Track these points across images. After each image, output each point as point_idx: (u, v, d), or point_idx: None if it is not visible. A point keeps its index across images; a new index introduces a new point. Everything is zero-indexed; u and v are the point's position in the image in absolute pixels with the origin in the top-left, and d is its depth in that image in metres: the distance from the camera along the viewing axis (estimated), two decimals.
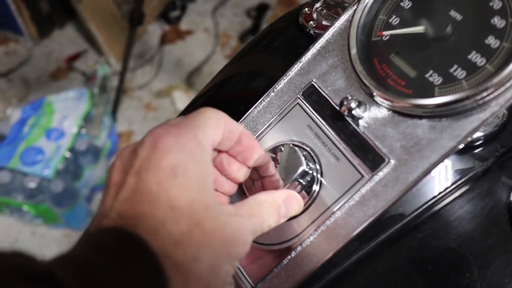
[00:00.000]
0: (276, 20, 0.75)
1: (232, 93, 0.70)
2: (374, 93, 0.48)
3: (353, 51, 0.50)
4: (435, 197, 0.49)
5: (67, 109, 1.91)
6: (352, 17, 0.51)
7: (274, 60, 0.69)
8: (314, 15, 0.66)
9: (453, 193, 0.50)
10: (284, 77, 0.55)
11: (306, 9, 0.67)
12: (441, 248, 0.47)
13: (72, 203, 1.78)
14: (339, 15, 0.64)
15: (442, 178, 0.50)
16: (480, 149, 0.52)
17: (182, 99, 2.21)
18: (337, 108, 0.50)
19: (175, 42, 2.46)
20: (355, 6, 0.53)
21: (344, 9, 0.65)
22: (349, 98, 0.48)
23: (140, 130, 2.18)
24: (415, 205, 0.49)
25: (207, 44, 2.42)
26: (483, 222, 0.47)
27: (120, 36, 2.32)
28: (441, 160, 0.43)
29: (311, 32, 0.66)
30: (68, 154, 1.80)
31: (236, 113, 0.60)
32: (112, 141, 2.06)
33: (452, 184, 0.50)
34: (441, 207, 0.50)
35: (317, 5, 0.67)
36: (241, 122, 0.56)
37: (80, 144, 1.83)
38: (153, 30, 2.50)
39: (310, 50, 0.54)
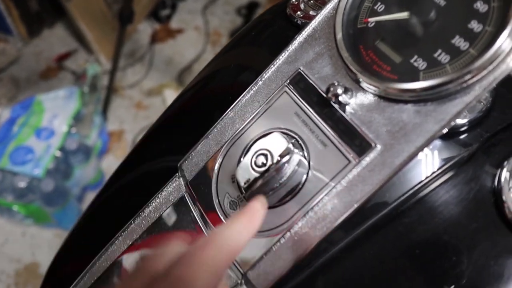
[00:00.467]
0: (264, 12, 0.75)
1: (220, 86, 0.70)
2: (360, 79, 0.48)
3: (339, 36, 0.50)
4: (421, 182, 0.49)
5: (57, 108, 1.90)
6: (338, 4, 0.51)
7: (261, 52, 0.69)
8: (302, 6, 0.66)
9: (438, 179, 0.50)
10: (272, 66, 0.55)
11: (293, 0, 0.67)
12: (428, 232, 0.47)
13: (63, 203, 1.77)
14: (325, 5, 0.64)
15: (428, 164, 0.50)
16: (465, 135, 0.52)
17: (173, 97, 2.20)
18: (324, 95, 0.50)
19: (166, 41, 2.45)
20: None
21: None
22: (336, 84, 0.48)
23: (131, 129, 2.17)
24: (401, 191, 0.49)
25: (197, 42, 2.42)
26: (469, 206, 0.48)
27: (110, 35, 2.32)
28: (426, 144, 0.44)
29: (299, 22, 0.66)
30: (58, 153, 1.80)
31: (225, 105, 0.60)
32: (102, 140, 2.05)
33: (438, 169, 0.50)
34: (427, 192, 0.50)
35: None
36: (229, 111, 0.56)
37: (70, 143, 1.82)
38: (144, 29, 2.50)
39: (297, 38, 0.54)
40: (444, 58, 0.45)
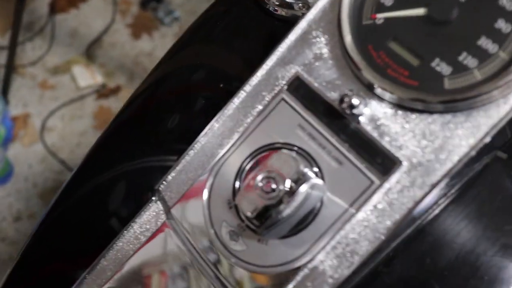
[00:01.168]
0: None
1: (179, 89, 0.61)
2: (376, 86, 0.42)
3: (348, 38, 0.43)
4: (443, 196, 0.45)
5: None
6: None
7: (230, 47, 0.60)
8: None
9: (456, 194, 0.47)
10: (260, 69, 0.48)
11: None
12: (455, 249, 0.44)
13: None
14: None
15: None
16: None
17: (84, 74, 2.02)
18: (333, 104, 0.44)
19: (68, 11, 2.21)
20: None
21: None
22: (350, 93, 0.42)
23: (37, 112, 1.96)
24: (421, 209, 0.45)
25: (105, 12, 2.21)
26: (495, 214, 0.45)
27: (1, 6, 2.04)
28: (461, 160, 0.39)
29: (271, 9, 0.58)
30: None
31: (196, 110, 0.52)
32: (6, 126, 1.83)
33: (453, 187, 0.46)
34: (446, 207, 0.46)
35: None
36: (214, 121, 0.48)
37: None
38: None
39: (290, 36, 0.47)
40: (471, 62, 0.41)
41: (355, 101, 0.41)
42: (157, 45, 2.15)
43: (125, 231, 0.50)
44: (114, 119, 0.62)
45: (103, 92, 2.02)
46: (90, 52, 2.10)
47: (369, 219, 0.41)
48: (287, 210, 0.41)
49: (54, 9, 2.21)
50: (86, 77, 2.00)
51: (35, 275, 0.61)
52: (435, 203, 0.44)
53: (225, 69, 0.59)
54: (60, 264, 0.59)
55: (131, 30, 2.20)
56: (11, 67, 1.87)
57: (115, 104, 2.00)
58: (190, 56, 0.62)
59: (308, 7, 0.56)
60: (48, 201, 1.77)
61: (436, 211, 0.46)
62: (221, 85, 0.57)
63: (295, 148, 0.44)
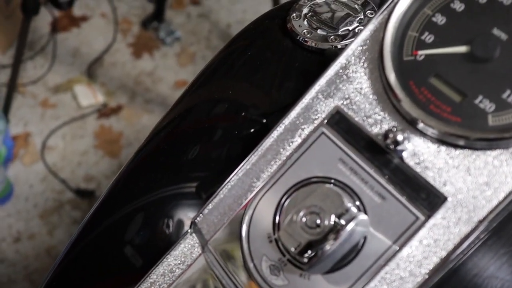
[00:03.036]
0: (247, 27, 0.66)
1: (215, 119, 0.61)
2: (419, 122, 0.43)
3: (392, 77, 0.44)
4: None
5: None
6: (384, 32, 0.45)
7: (261, 77, 0.61)
8: (304, 22, 0.59)
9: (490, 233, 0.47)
10: (299, 103, 0.48)
11: (294, 14, 0.59)
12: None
13: None
14: (332, 22, 0.58)
15: None
16: None
17: (85, 94, 2.01)
18: (375, 139, 0.44)
19: (70, 30, 2.22)
20: (378, 19, 0.47)
21: (334, 15, 0.59)
22: (395, 130, 0.42)
23: (38, 131, 1.95)
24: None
25: (106, 31, 2.22)
26: None
27: (3, 24, 2.04)
28: (508, 197, 0.40)
29: (301, 39, 0.59)
30: None
31: (228, 145, 0.52)
32: (7, 146, 1.81)
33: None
34: (481, 246, 0.46)
35: (305, 10, 0.60)
36: (252, 155, 0.48)
37: None
38: (42, 16, 2.23)
39: (329, 70, 0.48)
40: None
41: (399, 137, 0.42)
42: (158, 65, 2.16)
43: (159, 264, 0.50)
44: (138, 152, 0.61)
45: (104, 111, 2.02)
46: (92, 71, 2.10)
47: (414, 255, 0.41)
48: (333, 246, 0.41)
49: (55, 28, 2.21)
50: (88, 96, 2.00)
51: None
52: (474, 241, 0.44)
53: (256, 102, 0.59)
54: None
55: (132, 50, 2.20)
56: (13, 86, 1.86)
57: (116, 124, 1.99)
58: (219, 89, 0.63)
59: (342, 38, 0.57)
60: (48, 221, 1.75)
61: (471, 251, 0.46)
62: (254, 118, 0.57)
63: (337, 183, 0.44)
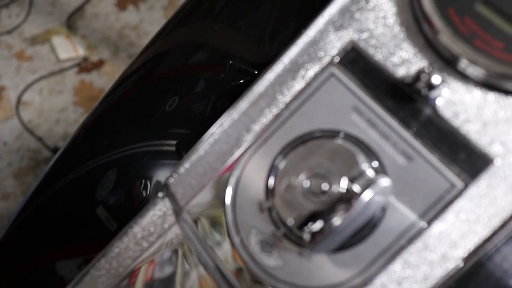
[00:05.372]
0: None
1: (188, 67, 0.50)
2: (462, 60, 0.32)
3: (426, 1, 0.33)
4: None
5: None
6: None
7: (250, 17, 0.50)
8: None
9: None
10: (304, 36, 0.37)
11: None
12: None
13: None
14: None
15: None
16: None
17: (64, 46, 1.87)
18: (401, 82, 0.34)
19: None
20: None
21: None
22: (429, 69, 0.32)
23: (13, 85, 1.82)
24: None
25: None
26: None
27: None
28: None
29: None
30: None
31: (196, 94, 0.42)
32: None
33: None
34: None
35: None
36: (240, 100, 0.38)
37: None
38: None
39: None
40: None
41: (436, 78, 0.32)
42: (143, 18, 2.02)
43: (123, 234, 0.40)
44: (104, 98, 0.51)
45: (85, 65, 1.88)
46: (72, 23, 1.95)
47: (448, 233, 0.32)
48: (344, 219, 0.31)
49: None
50: (67, 49, 1.86)
51: (9, 275, 0.51)
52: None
53: (246, 49, 0.49)
54: (39, 266, 0.49)
55: (116, 0, 2.05)
56: None
57: (98, 79, 1.87)
58: (199, 29, 0.52)
59: None
60: (23, 182, 1.65)
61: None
62: (244, 68, 0.46)
63: (350, 138, 0.34)
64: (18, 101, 1.79)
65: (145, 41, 2.05)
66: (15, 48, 1.88)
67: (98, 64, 1.90)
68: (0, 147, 1.72)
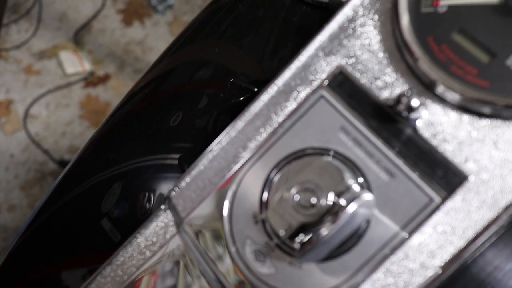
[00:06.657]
0: None
1: (192, 85, 0.53)
2: (439, 85, 0.35)
3: (407, 31, 0.36)
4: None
5: None
6: None
7: (251, 38, 0.53)
8: None
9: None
10: (296, 61, 0.40)
11: None
12: None
13: None
14: None
15: None
16: None
17: (71, 61, 1.92)
18: (384, 104, 0.37)
19: None
20: None
21: None
22: (409, 93, 0.35)
23: (20, 99, 1.86)
24: None
25: None
26: None
27: None
28: None
29: None
30: None
31: (199, 112, 0.45)
32: None
33: None
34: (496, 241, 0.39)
35: None
36: (238, 120, 0.41)
37: None
38: None
39: (332, 22, 0.40)
40: None
41: (415, 102, 0.35)
42: (148, 33, 2.06)
43: (127, 245, 0.43)
44: (112, 114, 0.54)
45: (91, 80, 1.93)
46: (79, 38, 2.00)
47: (427, 244, 0.34)
48: (330, 230, 0.34)
49: None
50: (74, 63, 1.91)
51: (18, 285, 0.53)
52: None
53: (247, 67, 0.52)
54: (48, 275, 0.52)
55: (122, 16, 2.10)
56: None
57: (103, 93, 1.91)
58: (203, 48, 0.55)
59: None
60: (29, 193, 1.68)
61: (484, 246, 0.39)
62: (244, 85, 0.49)
63: (337, 156, 0.37)
64: (26, 114, 1.83)
65: (150, 56, 2.10)
66: (23, 63, 1.93)
67: (104, 79, 1.94)
68: (7, 159, 1.75)
